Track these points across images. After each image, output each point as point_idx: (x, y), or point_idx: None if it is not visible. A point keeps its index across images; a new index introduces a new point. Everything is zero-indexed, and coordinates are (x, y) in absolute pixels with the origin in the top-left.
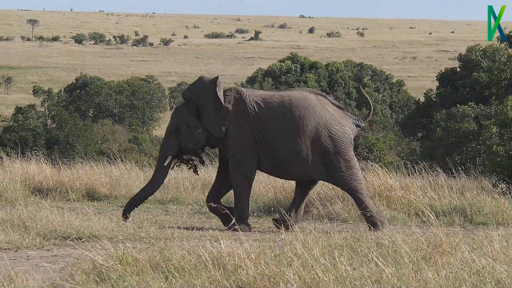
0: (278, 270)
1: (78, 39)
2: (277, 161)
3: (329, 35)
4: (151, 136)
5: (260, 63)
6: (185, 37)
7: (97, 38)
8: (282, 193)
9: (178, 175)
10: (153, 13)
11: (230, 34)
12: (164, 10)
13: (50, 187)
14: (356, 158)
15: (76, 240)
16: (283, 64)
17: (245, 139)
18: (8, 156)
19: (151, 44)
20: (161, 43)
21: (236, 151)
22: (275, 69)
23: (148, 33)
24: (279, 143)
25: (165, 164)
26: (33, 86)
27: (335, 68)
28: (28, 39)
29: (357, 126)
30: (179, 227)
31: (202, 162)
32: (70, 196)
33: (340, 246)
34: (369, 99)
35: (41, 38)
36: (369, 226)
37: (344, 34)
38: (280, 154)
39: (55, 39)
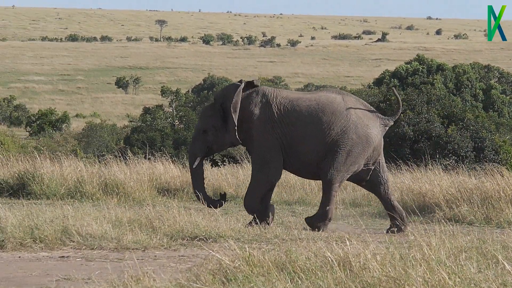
0: (404, 272)
1: (206, 40)
2: (302, 163)
3: (456, 37)
4: None
5: (387, 65)
6: (312, 38)
7: (225, 39)
8: (408, 195)
9: None
10: (281, 14)
11: (357, 35)
12: (291, 11)
13: (177, 187)
14: (358, 165)
15: (203, 241)
16: (409, 65)
17: (271, 143)
18: (135, 156)
19: (278, 45)
20: (288, 44)
21: (261, 154)
22: (402, 70)
23: (276, 34)
24: (305, 147)
25: (194, 166)
26: (161, 87)
27: (462, 70)
28: (157, 40)
29: (385, 126)
30: (305, 228)
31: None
32: None
33: (466, 248)
34: (399, 97)
35: (169, 39)
36: (313, 218)
37: (471, 36)
38: (305, 157)
39: (183, 39)
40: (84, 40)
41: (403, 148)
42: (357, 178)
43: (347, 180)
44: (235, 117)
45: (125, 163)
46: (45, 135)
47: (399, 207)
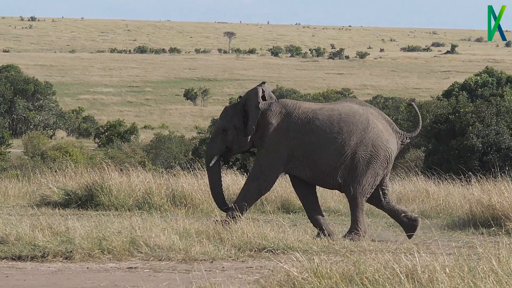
0: (472, 284)
1: (275, 52)
2: (319, 172)
3: None
4: None
5: (456, 77)
6: (381, 50)
7: (293, 51)
8: (477, 207)
9: None
10: (350, 26)
11: (426, 47)
12: (360, 23)
13: None
14: (379, 177)
15: (270, 252)
16: (479, 77)
17: (278, 155)
18: (203, 167)
19: (347, 57)
20: (357, 56)
21: (265, 163)
22: (471, 82)
23: (344, 46)
24: (323, 156)
25: (210, 165)
26: (230, 98)
27: None
28: (225, 52)
29: (402, 143)
30: (373, 240)
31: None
32: (265, 208)
33: None
34: (419, 114)
35: (237, 51)
36: (348, 236)
37: None
38: (322, 166)
39: (252, 51)
40: (153, 52)
41: (472, 160)
42: None
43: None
44: (253, 123)
45: (193, 174)
46: (114, 146)
47: (401, 208)
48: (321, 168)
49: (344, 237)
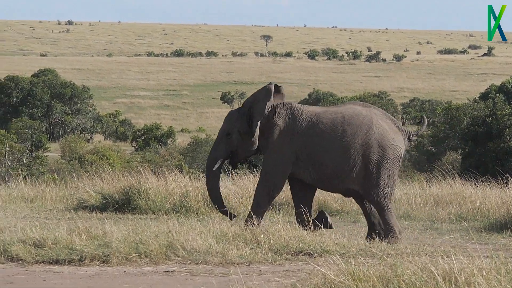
0: (510, 287)
1: (311, 55)
2: (323, 175)
3: None
4: None
5: (492, 79)
6: (418, 53)
7: (330, 54)
8: None
9: (409, 191)
10: (386, 28)
11: (463, 49)
12: (397, 26)
13: (282, 202)
14: (396, 177)
15: (308, 255)
16: None
17: (284, 157)
18: (241, 170)
19: (383, 60)
20: (394, 58)
21: (270, 165)
22: (508, 85)
23: (381, 49)
24: (328, 159)
25: (214, 169)
26: None
27: None
28: (262, 55)
29: (409, 140)
30: (410, 243)
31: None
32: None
33: None
34: (426, 121)
35: (274, 54)
36: (385, 239)
37: None
38: (327, 169)
39: (288, 54)
40: (190, 55)
41: (509, 162)
42: (351, 194)
43: (338, 193)
44: (258, 119)
45: (230, 177)
46: (151, 150)
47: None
48: (325, 171)
49: (381, 240)
